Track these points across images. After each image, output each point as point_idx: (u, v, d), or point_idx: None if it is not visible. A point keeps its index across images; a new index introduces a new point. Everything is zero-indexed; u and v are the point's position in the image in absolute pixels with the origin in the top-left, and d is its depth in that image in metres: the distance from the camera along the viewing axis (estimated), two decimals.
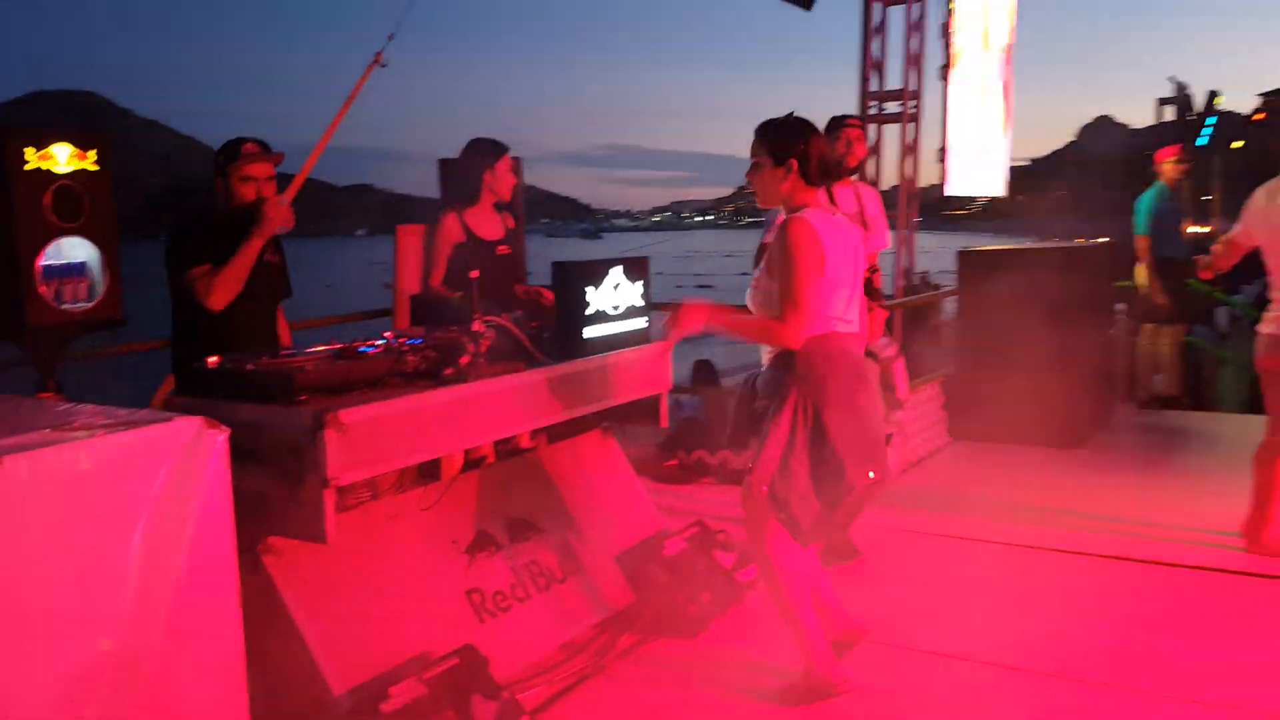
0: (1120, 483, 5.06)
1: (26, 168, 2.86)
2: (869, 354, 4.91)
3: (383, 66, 5.42)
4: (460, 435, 2.78)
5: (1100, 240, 7.77)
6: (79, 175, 2.99)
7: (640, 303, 3.43)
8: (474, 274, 2.92)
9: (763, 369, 2.81)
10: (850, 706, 2.78)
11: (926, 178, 6.46)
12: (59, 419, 2.14)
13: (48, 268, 2.95)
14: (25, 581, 1.85)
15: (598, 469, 3.63)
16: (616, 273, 3.31)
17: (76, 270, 3.04)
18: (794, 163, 2.68)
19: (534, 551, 3.22)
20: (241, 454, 2.52)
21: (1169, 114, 18.19)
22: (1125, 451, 5.77)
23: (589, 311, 3.21)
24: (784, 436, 2.69)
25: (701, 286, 46.64)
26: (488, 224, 3.87)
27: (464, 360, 2.81)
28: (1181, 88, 16.37)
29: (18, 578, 1.84)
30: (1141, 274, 6.85)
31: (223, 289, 3.06)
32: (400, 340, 2.89)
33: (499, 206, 3.94)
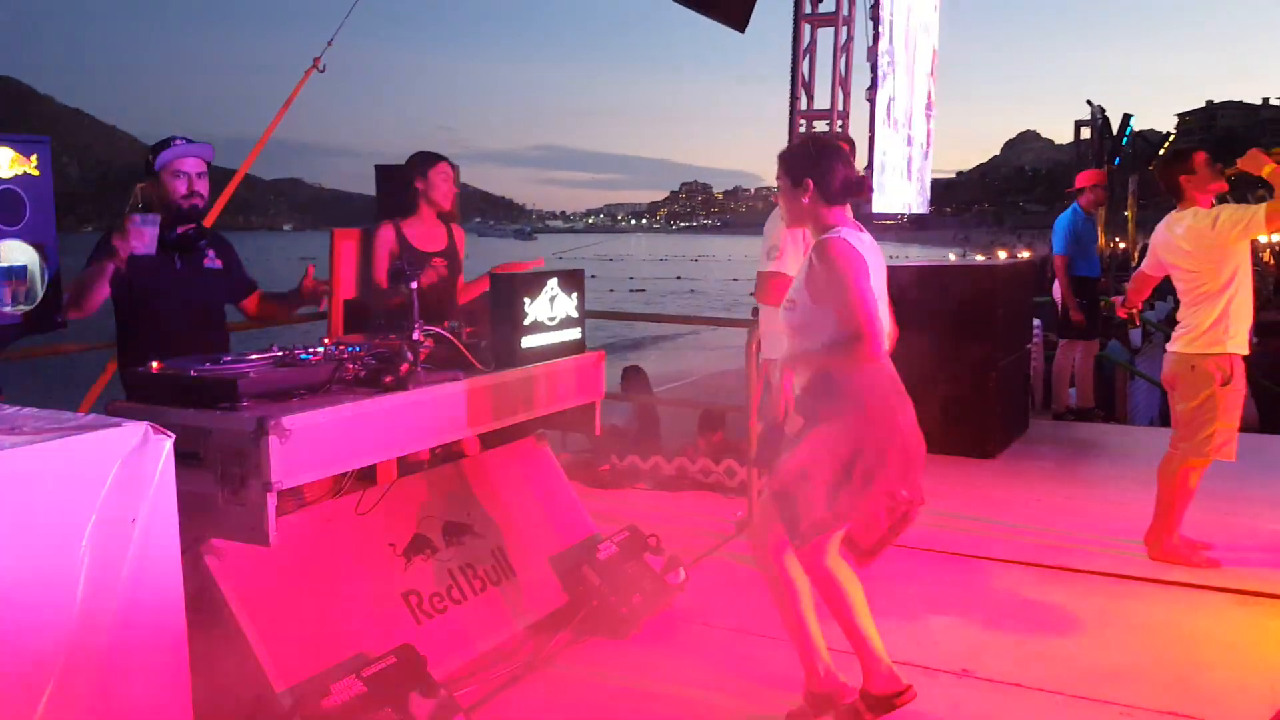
0: (1031, 491, 5.34)
1: None
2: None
3: (321, 71, 5.52)
4: (399, 441, 2.87)
5: (1021, 256, 8.13)
6: (21, 180, 3.00)
7: (575, 314, 3.55)
8: (414, 285, 3.00)
9: (797, 394, 2.77)
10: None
11: None
12: (4, 423, 2.18)
13: None
14: None
15: (531, 475, 3.75)
16: (553, 284, 3.43)
17: (16, 274, 3.05)
18: (809, 182, 2.73)
19: (469, 554, 3.32)
20: (185, 457, 2.60)
21: (1085, 134, 19.00)
22: (1038, 461, 6.07)
23: (527, 321, 3.33)
24: (814, 448, 2.66)
25: (635, 290, 47.04)
26: (427, 235, 3.95)
27: (404, 368, 2.91)
28: (1099, 111, 17.10)
29: None
30: (1057, 291, 7.22)
31: (70, 305, 3.12)
32: (340, 347, 2.97)
33: (443, 217, 4.02)
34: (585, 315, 3.60)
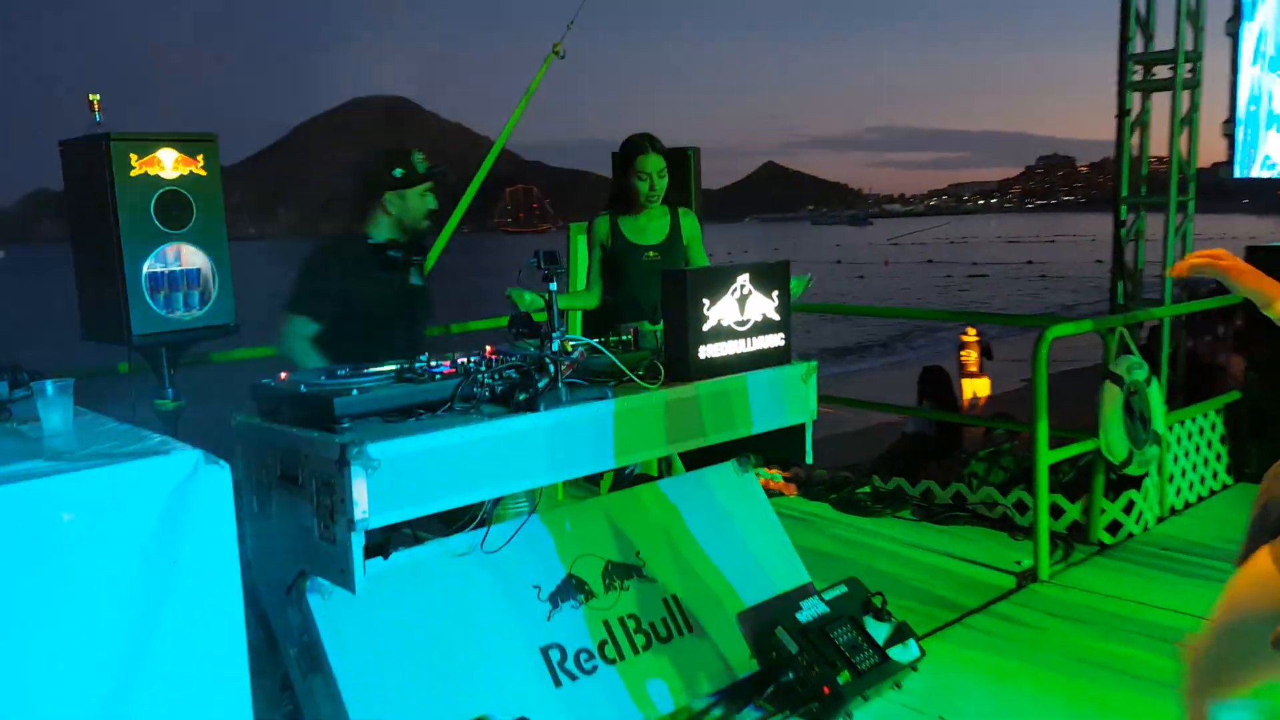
0: None
1: (132, 174, 2.82)
2: (1113, 375, 4.05)
3: (561, 58, 5.28)
4: (526, 472, 2.41)
5: None
6: (187, 180, 2.93)
7: (776, 316, 2.89)
8: (553, 286, 2.52)
9: None
10: None
11: (1207, 155, 5.29)
12: (62, 442, 2.01)
13: (154, 274, 2.91)
14: None
15: (728, 508, 3.13)
16: (743, 281, 2.80)
17: (188, 277, 2.99)
18: None
19: (634, 603, 2.79)
20: (288, 480, 2.34)
21: None
22: None
23: (707, 327, 2.73)
24: None
25: (975, 275, 43.68)
26: (644, 227, 3.51)
27: (540, 386, 2.44)
28: None
29: None
30: None
31: None
32: (479, 358, 2.57)
33: (669, 206, 3.55)
34: (790, 315, 2.93)
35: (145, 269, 2.86)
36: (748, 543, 3.10)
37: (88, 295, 3.00)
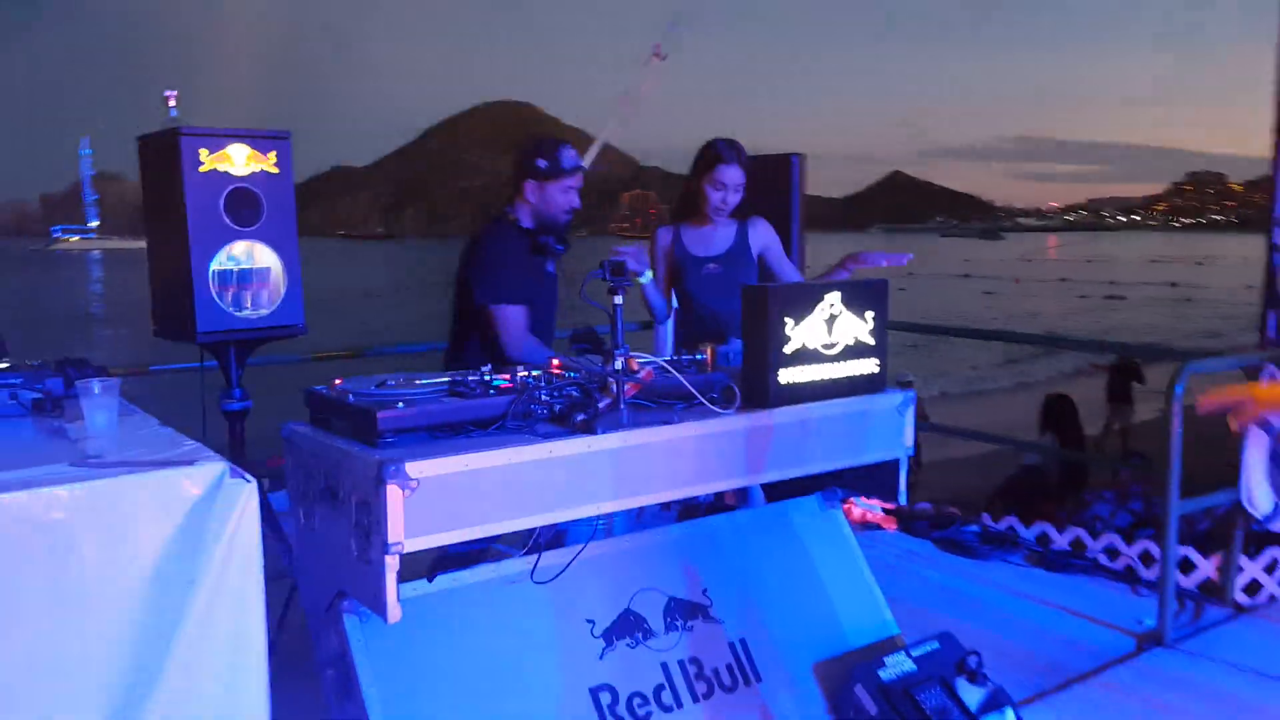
0: None
1: (201, 169, 2.77)
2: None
3: (662, 59, 5.25)
4: (578, 498, 2.22)
5: None
6: (257, 178, 2.86)
7: (870, 340, 2.62)
8: (618, 299, 2.31)
9: None
10: None
11: None
12: (98, 441, 1.93)
13: (223, 273, 2.85)
14: None
15: (810, 547, 2.87)
16: (833, 299, 2.54)
17: (258, 276, 2.93)
18: None
19: (698, 645, 2.56)
20: (330, 493, 2.22)
21: None
22: None
23: (789, 349, 2.49)
24: None
25: (1111, 297, 41.35)
26: (707, 237, 3.29)
27: (600, 407, 2.26)
28: None
29: None
30: None
31: None
32: (544, 373, 2.40)
33: (736, 215, 3.32)
34: (887, 334, 2.66)
35: (213, 266, 2.81)
36: (829, 587, 2.83)
37: (159, 291, 2.97)
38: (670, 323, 3.55)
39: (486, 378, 2.31)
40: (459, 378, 2.31)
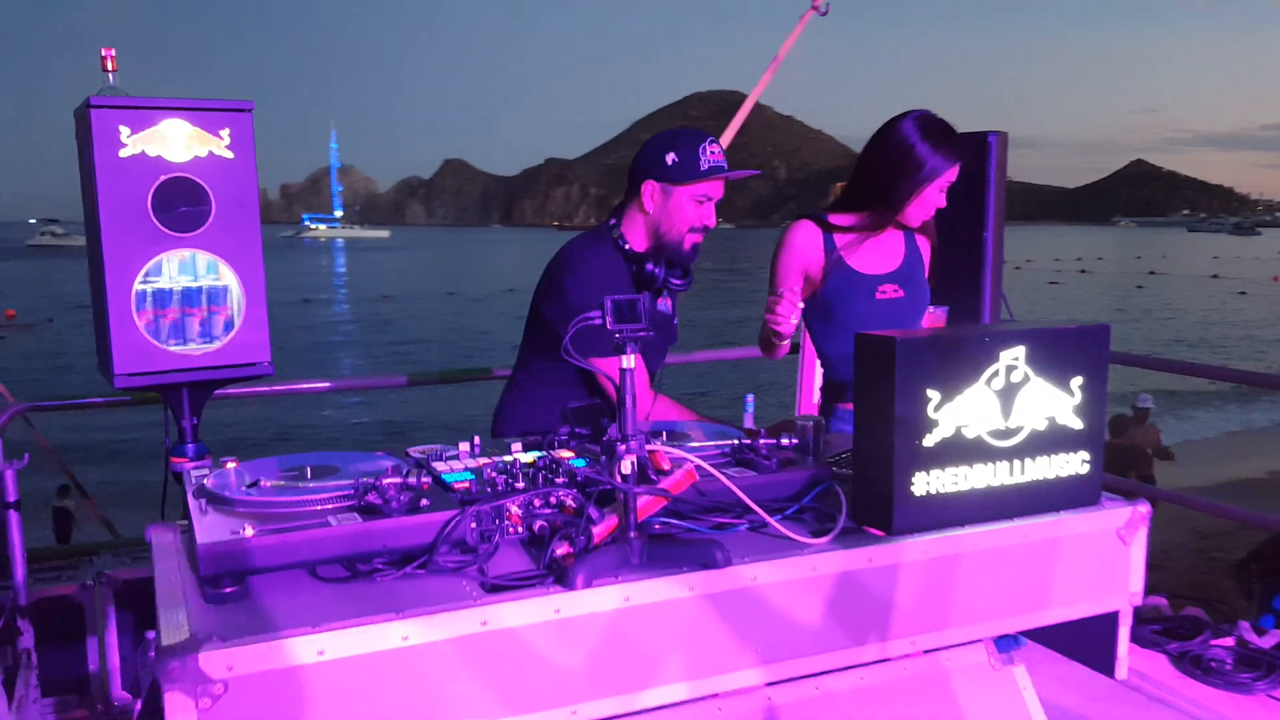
0: None
1: (122, 153, 2.05)
2: None
3: (823, 14, 4.53)
4: (530, 705, 1.31)
5: None
6: (203, 164, 2.11)
7: (1077, 422, 1.56)
8: (631, 352, 1.37)
9: None
10: None
11: None
12: None
13: (157, 292, 2.13)
14: None
15: (975, 714, 1.83)
16: (1013, 357, 1.49)
17: (209, 296, 2.19)
18: None
19: None
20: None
21: None
22: None
23: (932, 440, 1.47)
24: None
25: None
26: (873, 248, 2.31)
27: (589, 534, 1.34)
28: None
29: None
30: None
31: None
32: (526, 464, 1.51)
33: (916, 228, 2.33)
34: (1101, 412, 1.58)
35: (137, 285, 2.08)
36: None
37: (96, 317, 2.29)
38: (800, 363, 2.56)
39: (445, 456, 1.45)
40: (374, 476, 1.45)
